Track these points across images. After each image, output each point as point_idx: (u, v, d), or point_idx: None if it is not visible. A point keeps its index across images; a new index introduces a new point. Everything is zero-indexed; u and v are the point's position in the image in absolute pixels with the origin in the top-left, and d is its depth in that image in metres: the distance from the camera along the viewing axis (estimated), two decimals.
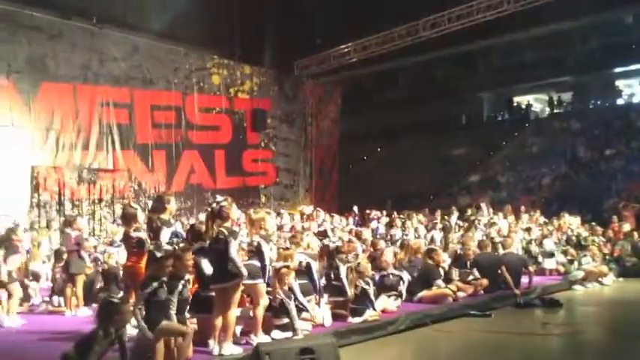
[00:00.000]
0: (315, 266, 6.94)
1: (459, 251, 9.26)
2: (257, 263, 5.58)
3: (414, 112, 22.26)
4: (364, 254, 8.42)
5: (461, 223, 12.24)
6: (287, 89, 18.46)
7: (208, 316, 5.35)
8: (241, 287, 5.40)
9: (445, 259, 8.90)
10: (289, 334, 5.70)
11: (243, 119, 17.15)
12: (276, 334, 5.69)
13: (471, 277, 8.58)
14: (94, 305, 6.76)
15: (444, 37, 15.99)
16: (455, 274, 8.60)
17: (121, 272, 7.12)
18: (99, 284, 7.91)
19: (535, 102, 23.82)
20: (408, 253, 9.05)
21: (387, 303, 7.31)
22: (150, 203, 6.94)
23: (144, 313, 4.77)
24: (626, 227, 12.48)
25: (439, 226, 11.58)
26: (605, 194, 15.11)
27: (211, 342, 5.26)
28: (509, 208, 13.40)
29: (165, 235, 5.81)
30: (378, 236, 10.50)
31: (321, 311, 6.45)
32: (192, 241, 5.80)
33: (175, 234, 6.10)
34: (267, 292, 5.74)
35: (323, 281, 6.94)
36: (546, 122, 21.76)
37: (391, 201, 16.06)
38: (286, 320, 5.77)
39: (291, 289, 6.05)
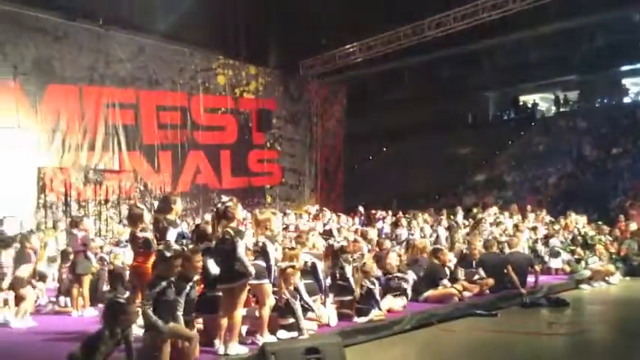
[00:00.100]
0: (321, 266, 6.94)
1: (464, 251, 9.25)
2: (262, 263, 5.58)
3: (419, 111, 22.23)
4: (370, 254, 8.41)
5: (467, 222, 12.21)
6: (292, 89, 18.48)
7: (215, 316, 5.36)
8: (247, 287, 5.41)
9: (451, 259, 8.89)
10: (295, 333, 5.71)
11: (249, 119, 17.18)
12: (282, 333, 5.70)
13: (476, 277, 8.56)
14: (100, 306, 6.78)
15: (450, 36, 15.96)
16: (461, 273, 8.58)
17: (128, 272, 7.16)
18: (105, 285, 7.93)
19: (541, 101, 23.74)
20: (413, 253, 9.05)
21: (392, 303, 7.30)
22: (156, 204, 6.97)
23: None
24: (633, 226, 12.41)
25: (445, 225, 11.57)
26: (612, 193, 15.05)
27: (217, 342, 5.27)
28: (515, 208, 13.36)
29: (171, 235, 5.83)
30: (383, 236, 10.49)
31: (326, 311, 6.46)
32: (198, 241, 5.82)
33: (182, 235, 6.12)
34: (273, 292, 5.75)
35: (328, 281, 6.94)
36: (552, 121, 21.67)
37: (397, 201, 16.03)
38: (292, 320, 5.78)
39: (296, 289, 6.06)
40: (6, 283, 6.84)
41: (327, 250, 7.54)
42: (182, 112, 15.48)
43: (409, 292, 7.82)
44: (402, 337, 6.63)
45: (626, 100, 21.12)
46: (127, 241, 7.50)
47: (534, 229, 11.69)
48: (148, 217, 6.52)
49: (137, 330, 5.08)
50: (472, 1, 14.85)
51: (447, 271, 8.40)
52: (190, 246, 5.62)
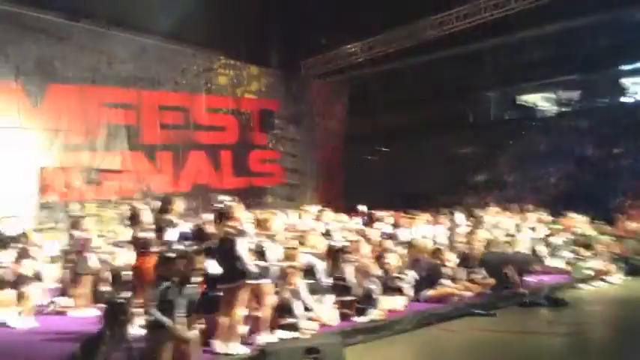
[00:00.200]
0: (322, 266, 6.97)
1: (466, 251, 9.27)
2: (263, 263, 5.61)
3: (420, 111, 22.17)
4: (371, 254, 8.42)
5: (468, 222, 12.20)
6: (294, 89, 18.45)
7: (216, 316, 5.38)
8: (248, 287, 5.43)
9: (452, 259, 8.91)
10: (295, 333, 5.73)
11: (250, 120, 17.18)
12: (282, 333, 5.72)
13: (477, 277, 8.58)
14: (101, 306, 6.81)
15: (451, 36, 15.93)
16: (462, 273, 8.61)
17: (129, 273, 7.17)
18: (106, 285, 7.95)
19: (542, 101, 23.69)
20: (414, 253, 9.06)
21: (393, 302, 7.33)
22: (157, 204, 6.98)
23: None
24: (634, 226, 12.42)
25: (446, 225, 11.57)
26: (613, 193, 15.04)
27: (218, 342, 5.29)
28: (516, 207, 13.35)
29: (170, 235, 5.85)
30: (384, 236, 10.49)
31: (327, 311, 6.48)
32: (199, 241, 5.84)
33: (185, 235, 6.15)
34: (275, 292, 5.77)
35: (329, 281, 6.96)
36: (553, 121, 21.61)
37: (398, 200, 16.02)
38: (292, 320, 5.81)
39: (297, 289, 6.09)
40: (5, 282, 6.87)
41: (329, 250, 7.57)
42: (184, 113, 15.48)
43: (410, 292, 7.84)
44: (403, 336, 6.66)
45: (627, 99, 21.09)
46: (128, 242, 7.51)
47: (534, 228, 11.69)
48: (149, 218, 6.54)
49: (139, 330, 5.10)
50: (473, 1, 14.83)
51: (448, 271, 8.42)
52: (193, 246, 5.64)
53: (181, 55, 15.59)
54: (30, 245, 7.52)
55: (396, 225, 11.39)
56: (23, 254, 7.26)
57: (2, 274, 6.96)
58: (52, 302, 7.78)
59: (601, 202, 14.46)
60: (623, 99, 20.98)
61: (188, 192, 14.55)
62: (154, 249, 5.99)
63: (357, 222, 11.22)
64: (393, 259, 8.22)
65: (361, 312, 6.72)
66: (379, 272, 7.76)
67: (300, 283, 6.21)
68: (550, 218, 12.89)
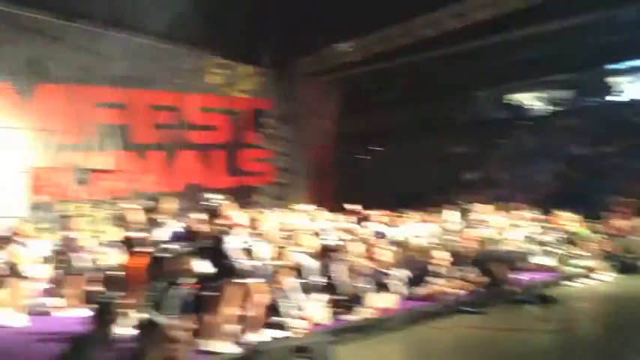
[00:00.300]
0: (313, 265, 7.00)
1: (459, 249, 9.33)
2: (253, 262, 5.63)
3: (413, 110, 22.23)
4: (363, 253, 8.45)
5: (460, 221, 12.26)
6: (286, 89, 18.44)
7: (206, 315, 5.39)
8: (238, 286, 5.45)
9: (444, 257, 8.96)
10: (285, 332, 5.75)
11: (243, 119, 17.18)
12: (272, 332, 5.74)
13: (470, 275, 8.64)
14: (92, 306, 6.80)
15: (443, 35, 15.97)
16: (453, 271, 8.67)
17: (119, 273, 7.16)
18: (97, 285, 7.94)
19: (532, 100, 23.82)
20: (407, 252, 9.12)
21: (384, 301, 7.36)
22: (148, 204, 6.98)
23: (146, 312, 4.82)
24: (624, 224, 12.52)
25: (439, 224, 11.61)
26: (603, 191, 15.12)
27: (208, 341, 5.31)
28: (507, 206, 13.42)
29: (157, 235, 5.86)
30: (377, 235, 10.52)
31: (318, 310, 6.50)
32: (190, 240, 5.85)
33: (177, 235, 6.16)
34: (265, 291, 5.79)
35: (321, 280, 6.99)
36: (543, 120, 21.76)
37: (390, 200, 16.05)
38: (282, 319, 5.83)
39: (287, 288, 6.11)
40: None
41: (321, 249, 7.61)
42: (175, 112, 15.48)
43: (401, 290, 7.89)
44: (393, 335, 6.69)
45: (616, 98, 21.27)
46: (119, 242, 7.51)
47: (525, 227, 11.77)
48: (140, 218, 6.55)
49: (130, 330, 5.12)
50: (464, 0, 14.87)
51: (440, 270, 8.47)
52: (184, 246, 5.66)
53: (174, 55, 15.57)
54: (20, 238, 7.48)
55: (388, 224, 11.43)
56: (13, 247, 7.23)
57: None
58: (43, 302, 7.77)
59: (591, 200, 14.54)
60: (612, 98, 21.16)
61: (180, 192, 14.52)
62: (146, 249, 5.99)
63: (350, 221, 11.25)
64: (385, 258, 8.25)
65: (352, 311, 6.75)
66: (371, 271, 7.80)
67: (292, 282, 6.24)
68: (541, 216, 12.97)
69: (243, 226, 6.10)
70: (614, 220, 12.81)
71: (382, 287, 7.66)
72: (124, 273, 6.53)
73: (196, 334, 5.36)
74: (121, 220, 7.05)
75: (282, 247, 6.58)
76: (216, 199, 6.06)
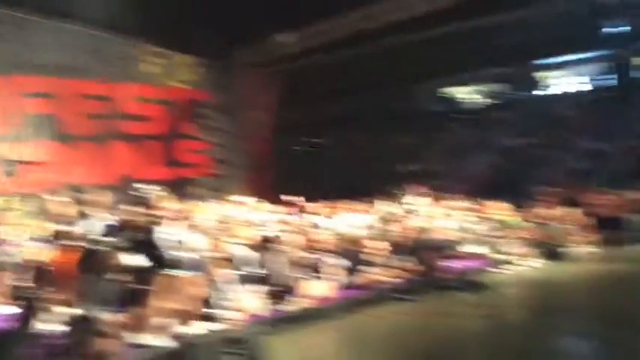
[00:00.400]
0: (250, 256, 7.00)
1: (393, 238, 9.53)
2: (188, 254, 5.58)
3: (351, 103, 22.46)
4: (300, 244, 8.51)
5: (399, 211, 12.50)
6: (225, 79, 18.20)
7: (137, 308, 5.31)
8: (171, 278, 5.39)
9: (379, 247, 9.13)
10: (220, 325, 5.74)
11: (180, 109, 16.87)
12: (206, 325, 5.71)
13: (404, 263, 8.86)
14: (18, 302, 6.57)
15: (381, 28, 16.16)
16: (389, 260, 8.86)
17: (48, 268, 6.94)
18: (24, 281, 7.67)
19: (468, 93, 24.52)
20: (345, 242, 9.23)
21: (321, 290, 7.45)
22: (78, 196, 6.79)
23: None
24: (551, 212, 13.12)
25: (377, 214, 11.80)
26: (532, 181, 15.80)
27: (139, 334, 5.23)
28: (441, 196, 13.80)
29: (91, 228, 5.72)
30: (315, 226, 10.60)
31: (253, 301, 6.51)
32: (122, 233, 5.74)
33: (108, 228, 6.02)
34: (198, 284, 5.75)
35: (257, 271, 7.00)
36: (478, 113, 22.49)
37: (329, 191, 16.20)
38: (217, 311, 5.81)
39: (222, 280, 6.09)
40: None
41: (258, 241, 7.62)
42: (108, 102, 15.05)
43: (338, 279, 7.99)
44: (329, 324, 6.79)
45: (546, 92, 22.23)
46: (46, 236, 7.27)
47: (459, 216, 12.14)
48: (70, 211, 6.38)
49: (60, 326, 4.99)
50: None
51: (378, 259, 8.66)
52: (114, 238, 5.55)
53: (107, 43, 15.10)
54: None
55: (325, 215, 11.53)
56: None
57: None
58: None
59: (522, 190, 15.14)
60: (542, 92, 22.13)
61: (114, 184, 14.15)
62: (76, 243, 5.83)
63: (287, 213, 11.28)
64: (322, 248, 8.35)
65: (288, 301, 6.80)
66: (309, 261, 7.87)
67: (227, 274, 6.22)
68: (474, 206, 13.40)
69: (177, 217, 6.03)
70: (540, 208, 13.41)
71: (319, 277, 7.75)
72: (52, 268, 6.35)
73: (128, 327, 5.29)
74: (50, 214, 6.83)
75: (218, 239, 6.55)
76: (148, 189, 5.95)
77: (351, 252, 8.71)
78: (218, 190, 16.73)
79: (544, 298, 8.51)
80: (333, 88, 22.26)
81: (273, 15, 17.14)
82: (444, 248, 9.52)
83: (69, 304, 4.95)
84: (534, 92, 22.20)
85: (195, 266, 5.64)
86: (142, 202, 5.70)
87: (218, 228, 7.44)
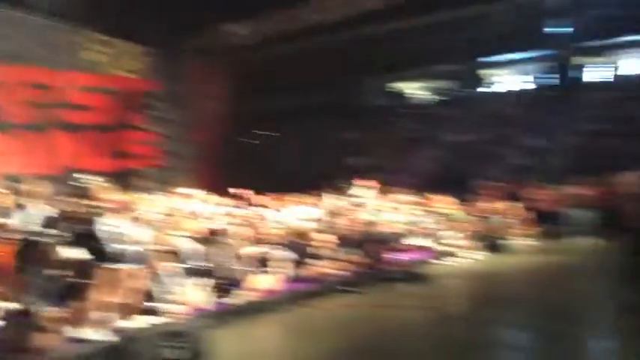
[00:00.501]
0: (195, 249, 6.95)
1: (340, 231, 9.63)
2: (130, 247, 5.50)
3: (304, 96, 22.47)
4: (248, 236, 8.49)
5: (347, 205, 12.61)
6: (174, 68, 17.82)
7: (77, 303, 5.21)
8: (112, 271, 5.30)
9: (326, 239, 9.21)
10: (162, 318, 5.68)
11: (126, 99, 16.46)
12: (148, 318, 5.64)
13: (350, 256, 8.97)
14: None
15: (333, 23, 16.22)
16: (336, 253, 8.95)
17: None
18: None
19: (416, 89, 24.93)
20: (292, 235, 9.26)
21: (267, 283, 7.46)
22: (16, 186, 6.59)
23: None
24: (493, 206, 13.54)
25: (325, 208, 11.86)
26: (476, 176, 16.24)
27: (80, 329, 5.13)
28: (388, 190, 14.01)
29: (29, 219, 5.57)
30: (264, 219, 10.59)
31: (198, 294, 6.47)
32: (62, 224, 5.60)
33: (48, 220, 5.86)
34: (140, 277, 5.67)
35: (202, 264, 6.95)
36: (426, 109, 22.92)
37: (278, 184, 16.19)
38: (159, 304, 5.75)
39: (165, 273, 6.02)
40: None
41: (204, 233, 7.57)
42: (50, 90, 14.55)
43: (285, 272, 8.02)
44: (274, 316, 6.82)
45: (491, 89, 22.86)
46: None
47: (405, 209, 12.37)
48: (8, 202, 6.19)
49: None
50: None
51: (326, 252, 8.74)
52: (53, 230, 5.42)
53: (49, 29, 14.58)
54: None
55: (274, 208, 11.53)
56: None
57: None
58: None
59: (466, 184, 15.54)
60: (487, 89, 22.74)
61: (55, 174, 13.74)
62: (13, 235, 5.66)
63: (236, 205, 11.22)
64: (269, 241, 8.36)
65: (233, 294, 6.79)
66: (256, 254, 7.87)
67: (170, 267, 6.15)
68: (420, 199, 13.68)
69: (120, 209, 5.92)
70: (483, 202, 13.82)
71: (266, 270, 7.76)
72: None
73: (68, 322, 5.18)
74: None
75: (162, 232, 6.47)
76: (90, 180, 5.83)
77: (299, 245, 8.76)
78: (165, 182, 16.40)
79: (485, 290, 8.80)
80: (284, 81, 22.19)
81: (224, 4, 16.93)
82: (390, 241, 9.68)
83: (6, 298, 4.81)
84: (480, 89, 22.78)
85: (138, 259, 5.55)
86: (84, 193, 5.57)
87: (163, 220, 7.33)
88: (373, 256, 9.06)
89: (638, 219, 6.02)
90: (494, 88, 22.78)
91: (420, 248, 11.30)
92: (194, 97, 18.25)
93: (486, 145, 18.43)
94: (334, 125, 21.55)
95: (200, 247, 7.13)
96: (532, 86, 22.09)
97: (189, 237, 7.24)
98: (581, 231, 12.93)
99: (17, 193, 6.31)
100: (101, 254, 5.14)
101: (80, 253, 5.28)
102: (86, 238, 5.20)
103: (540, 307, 7.14)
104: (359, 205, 11.96)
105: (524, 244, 12.65)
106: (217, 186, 13.08)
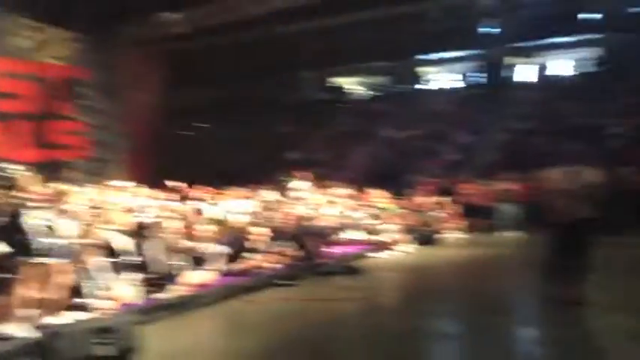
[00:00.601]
0: (125, 243, 6.78)
1: (276, 225, 9.63)
2: (55, 240, 5.30)
3: (238, 89, 22.28)
4: (181, 230, 8.35)
5: (282, 198, 12.62)
6: (106, 57, 17.18)
7: (1, 298, 4.98)
8: (37, 266, 5.10)
9: (261, 233, 9.20)
10: (90, 314, 5.51)
11: (54, 87, 15.76)
12: (75, 314, 5.47)
13: (285, 249, 8.99)
14: None
15: (269, 15, 16.11)
16: (271, 246, 8.96)
17: None
18: None
19: (353, 84, 25.21)
20: (225, 229, 9.19)
21: (201, 277, 7.37)
22: None
23: None
24: (424, 200, 13.91)
25: (259, 201, 11.81)
26: (411, 171, 16.63)
27: (3, 325, 4.91)
28: (324, 184, 14.13)
29: None
30: (198, 213, 10.44)
31: (127, 289, 6.31)
32: None
33: None
34: (67, 272, 5.48)
35: (133, 258, 6.79)
36: (362, 104, 23.22)
37: (214, 177, 15.99)
38: (87, 300, 5.58)
39: (93, 268, 5.85)
40: None
41: (135, 227, 7.39)
42: None
43: (218, 266, 7.95)
44: (207, 311, 6.75)
45: (426, 86, 23.41)
46: None
47: (341, 203, 12.51)
48: None
49: None
50: None
51: (260, 245, 8.72)
52: None
53: None
54: None
55: (209, 201, 11.39)
56: None
57: None
58: None
59: (400, 179, 15.87)
60: (422, 86, 23.29)
61: None
62: None
63: (170, 199, 11.01)
64: (203, 235, 8.26)
65: (165, 288, 6.67)
66: (189, 248, 7.76)
67: (99, 262, 5.97)
68: (355, 193, 13.86)
69: (46, 201, 5.70)
70: (416, 197, 14.16)
71: (200, 264, 7.67)
72: None
73: None
74: None
75: (90, 225, 6.26)
76: (13, 170, 5.57)
77: (233, 238, 8.71)
78: (95, 174, 15.84)
79: (417, 282, 9.02)
80: (220, 73, 21.93)
81: None
82: (325, 234, 9.76)
83: None
84: (415, 86, 23.28)
85: (65, 253, 5.36)
86: (9, 184, 5.32)
87: (92, 214, 7.09)
88: (308, 250, 9.12)
89: (562, 214, 6.31)
90: (429, 86, 23.36)
91: (355, 241, 11.46)
92: (126, 87, 17.64)
93: (421, 141, 18.87)
94: (272, 119, 21.51)
95: (130, 241, 6.95)
96: (464, 84, 22.79)
97: (119, 231, 7.04)
98: (509, 225, 13.49)
99: None
100: (26, 248, 4.93)
101: (2, 247, 5.04)
102: (9, 230, 4.97)
103: (468, 299, 7.39)
104: (296, 198, 11.99)
105: (455, 237, 13.08)
106: (150, 179, 12.77)
